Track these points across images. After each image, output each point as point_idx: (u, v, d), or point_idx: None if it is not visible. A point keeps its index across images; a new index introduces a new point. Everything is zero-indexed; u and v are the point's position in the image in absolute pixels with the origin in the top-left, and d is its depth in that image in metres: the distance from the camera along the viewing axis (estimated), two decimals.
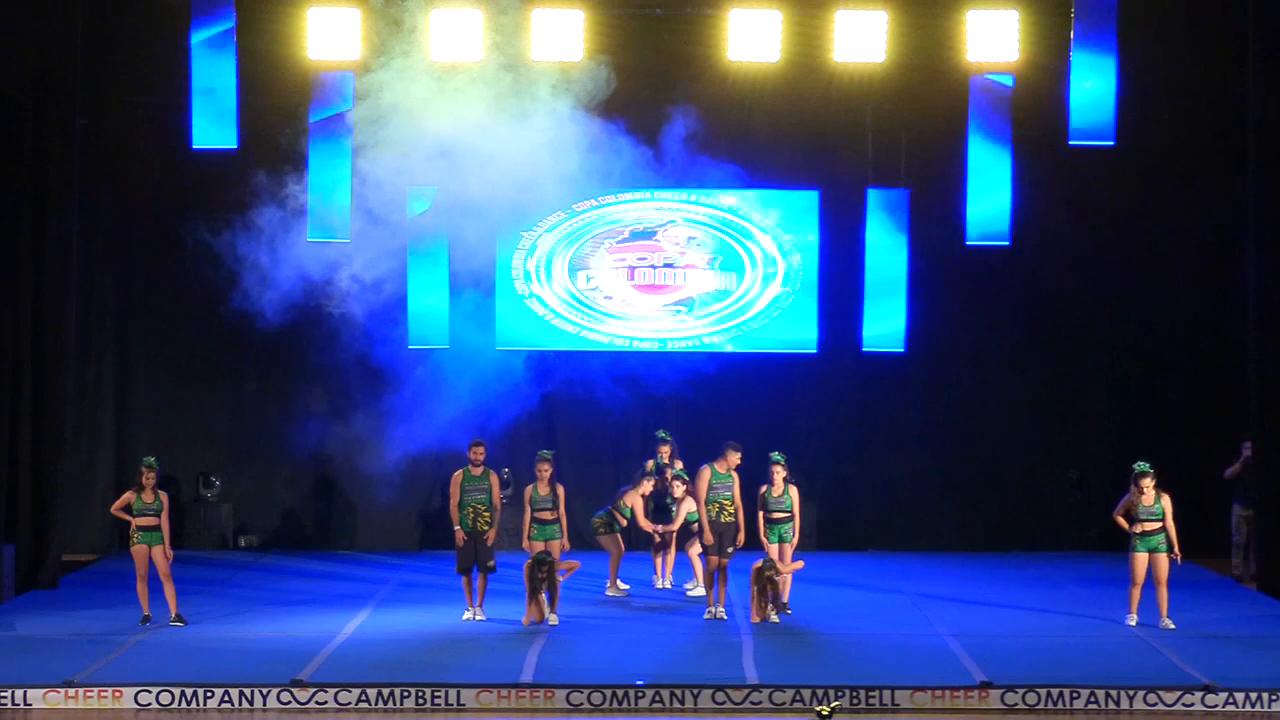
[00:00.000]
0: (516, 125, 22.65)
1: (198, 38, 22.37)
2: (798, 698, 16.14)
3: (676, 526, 21.05)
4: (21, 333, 21.59)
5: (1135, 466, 19.03)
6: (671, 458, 21.38)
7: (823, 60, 22.76)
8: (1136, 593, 19.05)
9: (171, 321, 24.82)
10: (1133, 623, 18.96)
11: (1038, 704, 16.16)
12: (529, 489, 19.79)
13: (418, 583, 22.04)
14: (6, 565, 20.94)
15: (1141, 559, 18.97)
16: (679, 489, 20.87)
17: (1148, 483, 18.92)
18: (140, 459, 20.28)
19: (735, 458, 19.48)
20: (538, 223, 24.52)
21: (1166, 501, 19.00)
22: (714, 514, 19.42)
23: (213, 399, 24.95)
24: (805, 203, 24.53)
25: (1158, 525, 18.97)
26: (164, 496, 19.34)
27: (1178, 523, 19.10)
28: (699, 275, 24.53)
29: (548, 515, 19.66)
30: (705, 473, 19.56)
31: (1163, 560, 18.94)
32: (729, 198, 24.48)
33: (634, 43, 22.69)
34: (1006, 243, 23.42)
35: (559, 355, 24.51)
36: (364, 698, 16.21)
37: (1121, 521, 19.09)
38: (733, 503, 19.41)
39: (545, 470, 19.71)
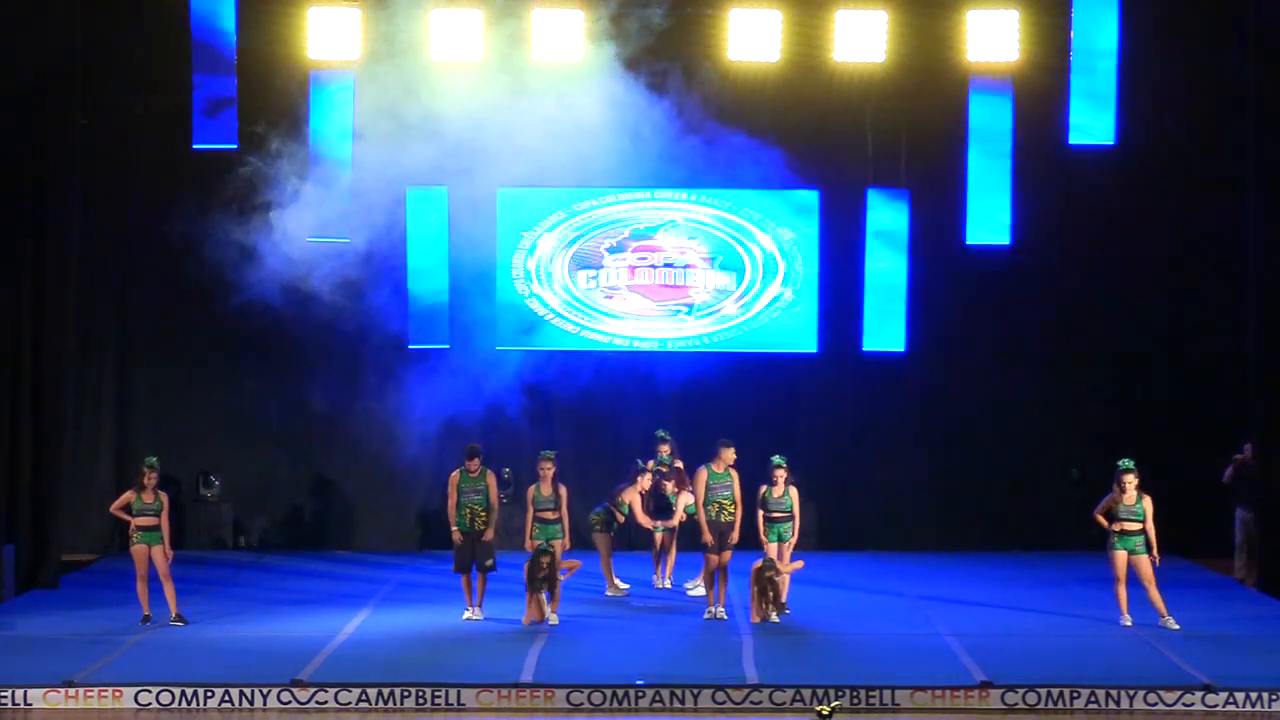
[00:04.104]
0: (516, 125, 22.68)
1: (198, 37, 22.42)
2: (798, 698, 16.14)
3: (676, 522, 21.07)
4: (21, 333, 21.59)
5: (1120, 464, 19.00)
6: (671, 457, 21.38)
7: (823, 60, 22.79)
8: (1123, 590, 19.02)
9: (171, 321, 24.82)
10: (1127, 623, 18.94)
11: (1038, 704, 16.16)
12: (531, 489, 19.80)
13: (418, 583, 22.03)
14: (6, 565, 20.94)
15: (1121, 556, 18.92)
16: (669, 485, 20.92)
17: (1129, 479, 18.85)
18: (140, 459, 20.29)
19: (729, 454, 19.47)
20: (538, 223, 24.53)
21: (1148, 503, 18.93)
22: (714, 514, 19.42)
23: (213, 399, 24.93)
24: (805, 203, 24.52)
25: (1138, 526, 18.89)
26: (164, 497, 19.33)
27: (1158, 524, 18.95)
28: (699, 275, 24.52)
29: (550, 515, 19.68)
30: (702, 474, 19.55)
31: (1143, 561, 18.87)
32: (729, 198, 24.48)
33: (634, 43, 22.68)
34: (1006, 243, 23.47)
35: (559, 355, 24.51)
36: (364, 698, 16.21)
37: (1101, 520, 19.05)
38: (732, 501, 19.40)
39: (548, 470, 19.72)
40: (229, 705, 16.19)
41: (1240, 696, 16.13)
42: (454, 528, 19.57)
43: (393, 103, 22.40)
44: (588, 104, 22.51)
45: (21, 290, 21.59)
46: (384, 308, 23.90)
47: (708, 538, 19.42)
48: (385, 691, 16.21)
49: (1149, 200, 24.26)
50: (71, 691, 16.25)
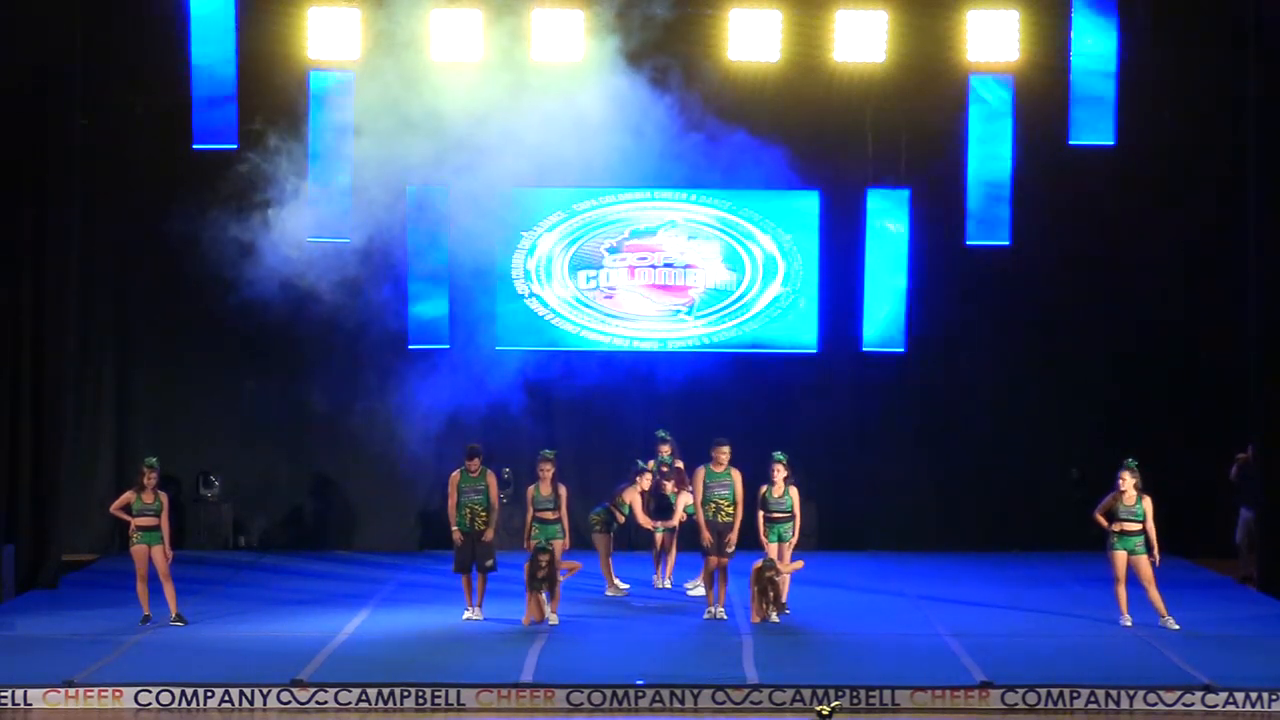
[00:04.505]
0: (516, 125, 22.68)
1: (197, 37, 22.43)
2: (798, 698, 16.14)
3: (676, 522, 21.07)
4: (22, 333, 21.59)
5: (1123, 463, 19.00)
6: (672, 457, 21.37)
7: (823, 60, 22.82)
8: (1122, 590, 19.02)
9: (171, 321, 24.81)
10: (1127, 623, 18.94)
11: (1038, 704, 16.16)
12: (531, 489, 19.80)
13: (418, 583, 22.03)
14: (6, 565, 20.94)
15: (1120, 555, 18.92)
16: (669, 485, 20.93)
17: (1127, 478, 18.83)
18: (140, 459, 20.29)
19: (724, 452, 19.46)
20: (538, 223, 24.53)
21: (1148, 503, 18.92)
22: (711, 514, 19.42)
23: (213, 399, 24.92)
24: (805, 203, 24.52)
25: (1137, 526, 18.88)
26: (164, 497, 19.33)
27: (1158, 524, 18.94)
28: (699, 275, 24.52)
29: (549, 515, 19.68)
30: (700, 473, 19.55)
31: (1143, 562, 18.86)
32: (729, 198, 24.48)
33: (634, 42, 22.68)
34: (1006, 243, 23.47)
35: (559, 355, 24.51)
36: (364, 698, 16.21)
37: (1101, 520, 19.04)
38: (730, 502, 19.38)
39: (548, 470, 19.72)
40: (229, 705, 16.19)
41: (1240, 696, 16.14)
42: (454, 528, 19.57)
43: (393, 101, 22.41)
44: (588, 103, 22.51)
45: (21, 290, 21.59)
46: (384, 307, 23.90)
47: (706, 538, 19.42)
48: (385, 691, 16.21)
49: (1149, 200, 24.25)
50: (71, 691, 16.25)
